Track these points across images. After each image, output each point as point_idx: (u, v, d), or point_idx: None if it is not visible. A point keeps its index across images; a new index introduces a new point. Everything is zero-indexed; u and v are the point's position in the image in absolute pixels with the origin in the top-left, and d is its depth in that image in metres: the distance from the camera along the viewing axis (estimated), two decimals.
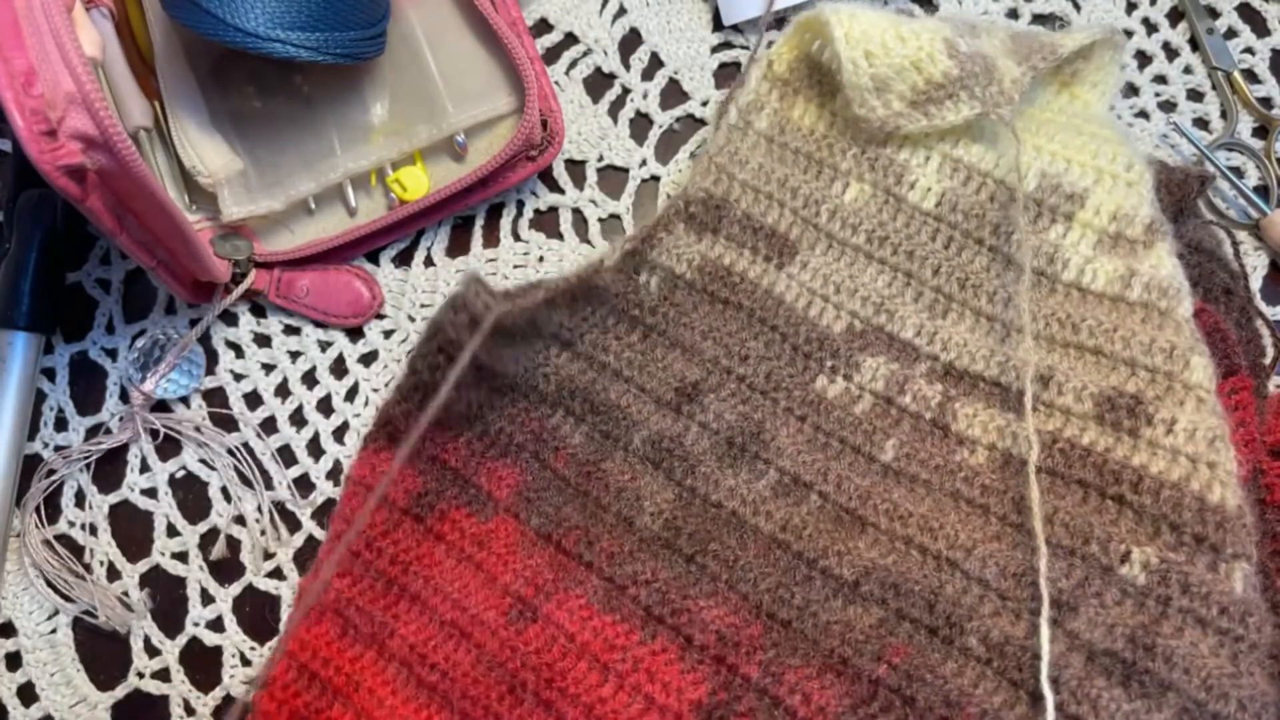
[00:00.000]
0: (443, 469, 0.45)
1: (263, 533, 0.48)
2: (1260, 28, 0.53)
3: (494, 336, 0.42)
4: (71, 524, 0.49)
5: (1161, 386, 0.42)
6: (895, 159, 0.47)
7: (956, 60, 0.44)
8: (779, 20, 0.53)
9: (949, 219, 0.46)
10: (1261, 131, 0.51)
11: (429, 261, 0.51)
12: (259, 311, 0.51)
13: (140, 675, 0.47)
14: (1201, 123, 0.52)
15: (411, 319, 0.50)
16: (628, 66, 0.53)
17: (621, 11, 0.54)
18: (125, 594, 0.48)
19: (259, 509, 0.48)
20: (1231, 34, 0.53)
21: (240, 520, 0.48)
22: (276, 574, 0.48)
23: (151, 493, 0.49)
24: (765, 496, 0.43)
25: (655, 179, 0.52)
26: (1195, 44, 0.52)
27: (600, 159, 0.53)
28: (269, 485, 0.49)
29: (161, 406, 0.49)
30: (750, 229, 0.47)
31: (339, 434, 0.49)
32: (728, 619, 0.41)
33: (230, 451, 0.49)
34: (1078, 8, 0.53)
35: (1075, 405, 0.43)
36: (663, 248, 0.47)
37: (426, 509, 0.45)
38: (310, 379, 0.50)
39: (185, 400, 0.50)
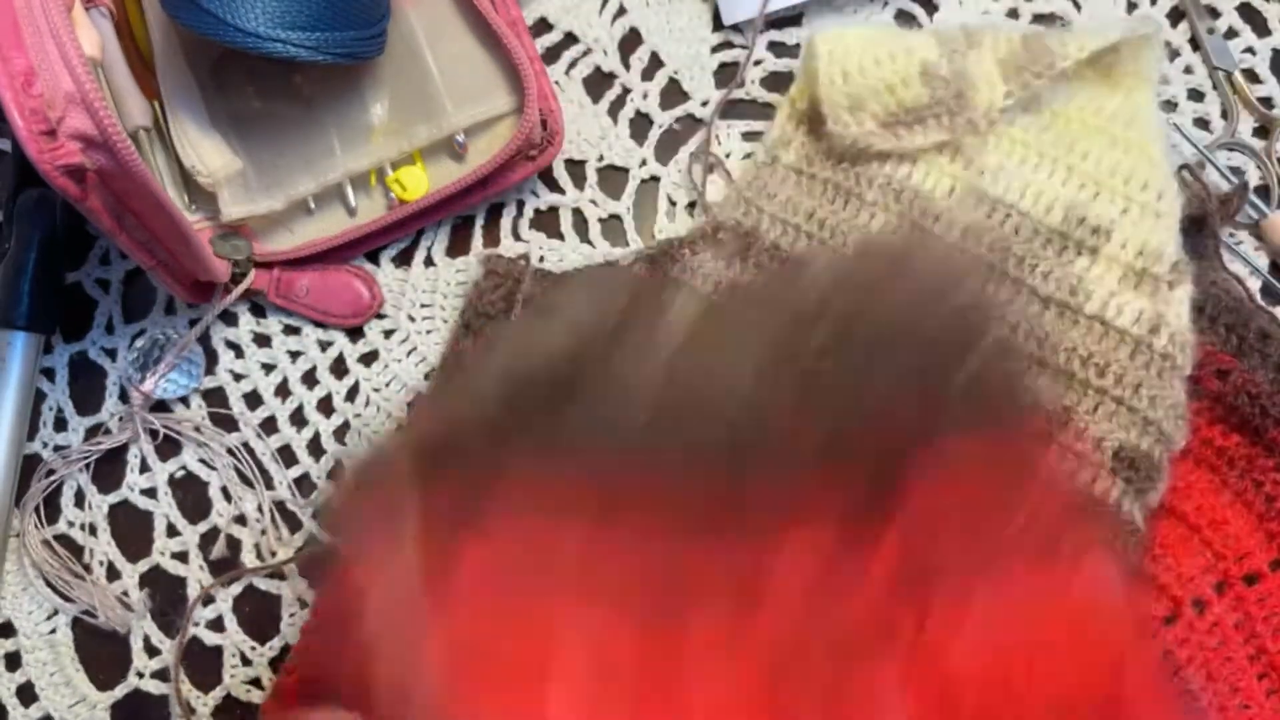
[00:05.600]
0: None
1: (263, 532, 0.48)
2: (1261, 27, 0.52)
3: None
4: (71, 524, 0.49)
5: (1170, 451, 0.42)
6: (920, 190, 0.47)
7: (930, 87, 0.45)
8: (776, 22, 0.53)
9: (972, 252, 0.46)
10: (1262, 132, 0.51)
11: (429, 261, 0.51)
12: (259, 311, 0.51)
13: (140, 675, 0.47)
14: (1202, 123, 0.51)
15: (411, 319, 0.50)
16: (628, 66, 0.53)
17: (621, 11, 0.54)
18: (125, 594, 0.48)
19: (259, 509, 0.48)
20: (1232, 34, 0.52)
21: (241, 520, 0.48)
22: (277, 574, 0.48)
23: (151, 493, 0.49)
24: None
25: (655, 179, 0.52)
26: (1196, 44, 0.52)
27: (600, 159, 0.52)
28: (269, 485, 0.49)
29: (161, 406, 0.49)
30: (779, 260, 0.47)
31: (339, 434, 0.49)
32: None
33: (230, 451, 0.49)
34: (1078, 7, 0.53)
35: (1091, 455, 0.42)
36: (686, 265, 0.48)
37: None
38: (310, 379, 0.50)
39: (185, 400, 0.50)
